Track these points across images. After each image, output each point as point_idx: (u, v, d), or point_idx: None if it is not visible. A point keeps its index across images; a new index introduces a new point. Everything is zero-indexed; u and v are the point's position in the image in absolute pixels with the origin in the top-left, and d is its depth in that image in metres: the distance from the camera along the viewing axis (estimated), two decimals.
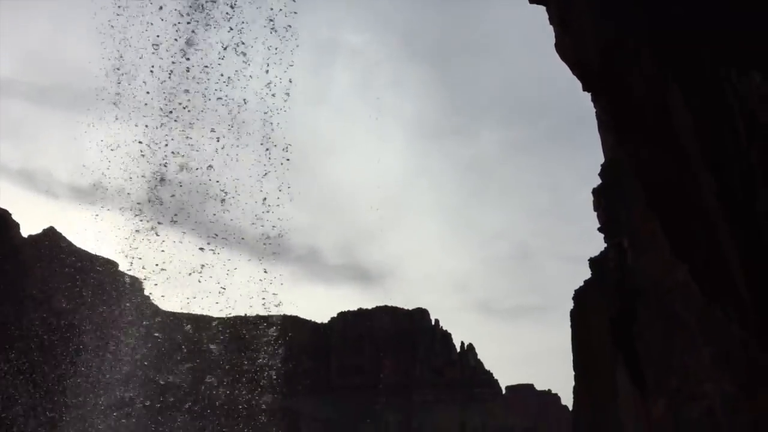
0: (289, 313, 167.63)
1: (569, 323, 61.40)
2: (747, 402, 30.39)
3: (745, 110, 15.99)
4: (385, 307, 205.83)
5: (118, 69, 22.83)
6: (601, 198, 54.13)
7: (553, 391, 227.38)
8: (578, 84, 25.59)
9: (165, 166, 22.21)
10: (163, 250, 22.82)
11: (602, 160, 51.78)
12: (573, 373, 60.12)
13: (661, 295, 40.81)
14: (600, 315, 53.66)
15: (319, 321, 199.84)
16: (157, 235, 22.56)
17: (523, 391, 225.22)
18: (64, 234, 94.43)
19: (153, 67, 22.07)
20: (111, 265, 65.60)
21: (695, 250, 19.15)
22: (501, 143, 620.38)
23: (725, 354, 33.44)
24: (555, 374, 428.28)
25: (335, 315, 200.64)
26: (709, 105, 17.08)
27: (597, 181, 55.18)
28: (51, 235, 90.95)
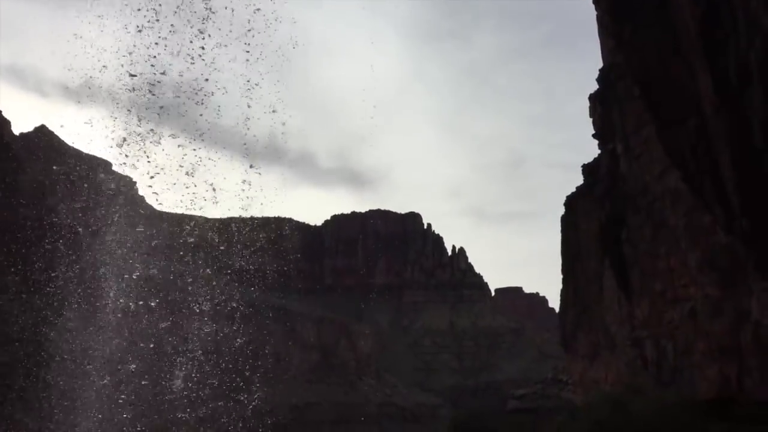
0: (283, 215, 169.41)
1: (559, 229, 62.22)
2: (728, 303, 31.31)
3: (747, 12, 15.68)
4: (378, 210, 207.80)
5: None
6: (597, 104, 53.74)
7: (540, 294, 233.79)
8: None
9: (154, 65, 21.63)
10: (156, 152, 22.56)
11: (599, 67, 51.09)
12: (561, 276, 61.47)
13: (651, 201, 41.28)
14: (590, 220, 54.33)
15: (312, 223, 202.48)
16: (148, 134, 22.24)
17: (512, 293, 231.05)
18: (55, 133, 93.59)
19: None
20: (104, 164, 65.37)
21: (688, 155, 19.23)
22: (497, 48, 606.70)
23: (710, 258, 34.20)
24: (543, 278, 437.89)
25: (329, 218, 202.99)
26: (713, 6, 16.73)
27: (592, 89, 54.66)
28: (43, 133, 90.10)
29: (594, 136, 53.15)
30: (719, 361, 33.25)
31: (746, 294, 30.98)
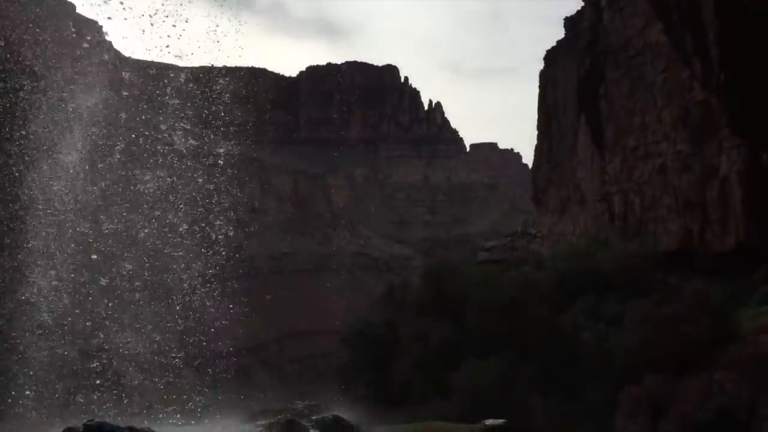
0: (257, 65, 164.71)
1: (536, 86, 61.72)
2: (697, 159, 31.90)
3: None
4: (355, 62, 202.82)
5: None
6: None
7: (515, 150, 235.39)
8: None
9: None
10: None
11: None
12: (536, 132, 61.71)
13: (632, 56, 40.79)
14: (568, 75, 53.80)
15: (287, 75, 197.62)
16: None
17: (486, 149, 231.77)
18: None
19: None
20: (68, 6, 62.25)
21: (673, 6, 18.69)
22: None
23: (684, 114, 34.42)
24: (518, 133, 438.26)
25: (304, 69, 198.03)
26: None
27: None
28: None
29: None
30: (683, 216, 34.37)
31: (716, 150, 31.51)
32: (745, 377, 24.99)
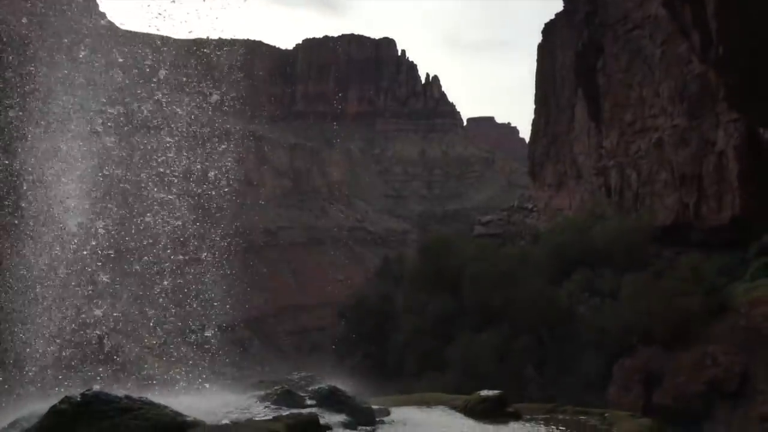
0: (252, 38, 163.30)
1: (535, 59, 61.33)
2: (694, 134, 31.85)
3: None
4: (352, 35, 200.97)
5: None
6: None
7: (512, 124, 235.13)
8: None
9: None
10: None
11: None
12: (533, 106, 61.45)
13: (630, 29, 40.52)
14: (566, 49, 53.45)
15: (283, 47, 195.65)
16: None
17: (484, 123, 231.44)
18: None
19: None
20: None
21: None
22: None
23: (682, 88, 34.31)
24: (515, 108, 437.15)
25: (300, 42, 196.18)
26: None
27: None
28: None
29: None
30: (679, 190, 34.43)
31: (713, 125, 31.47)
32: (738, 350, 25.24)
